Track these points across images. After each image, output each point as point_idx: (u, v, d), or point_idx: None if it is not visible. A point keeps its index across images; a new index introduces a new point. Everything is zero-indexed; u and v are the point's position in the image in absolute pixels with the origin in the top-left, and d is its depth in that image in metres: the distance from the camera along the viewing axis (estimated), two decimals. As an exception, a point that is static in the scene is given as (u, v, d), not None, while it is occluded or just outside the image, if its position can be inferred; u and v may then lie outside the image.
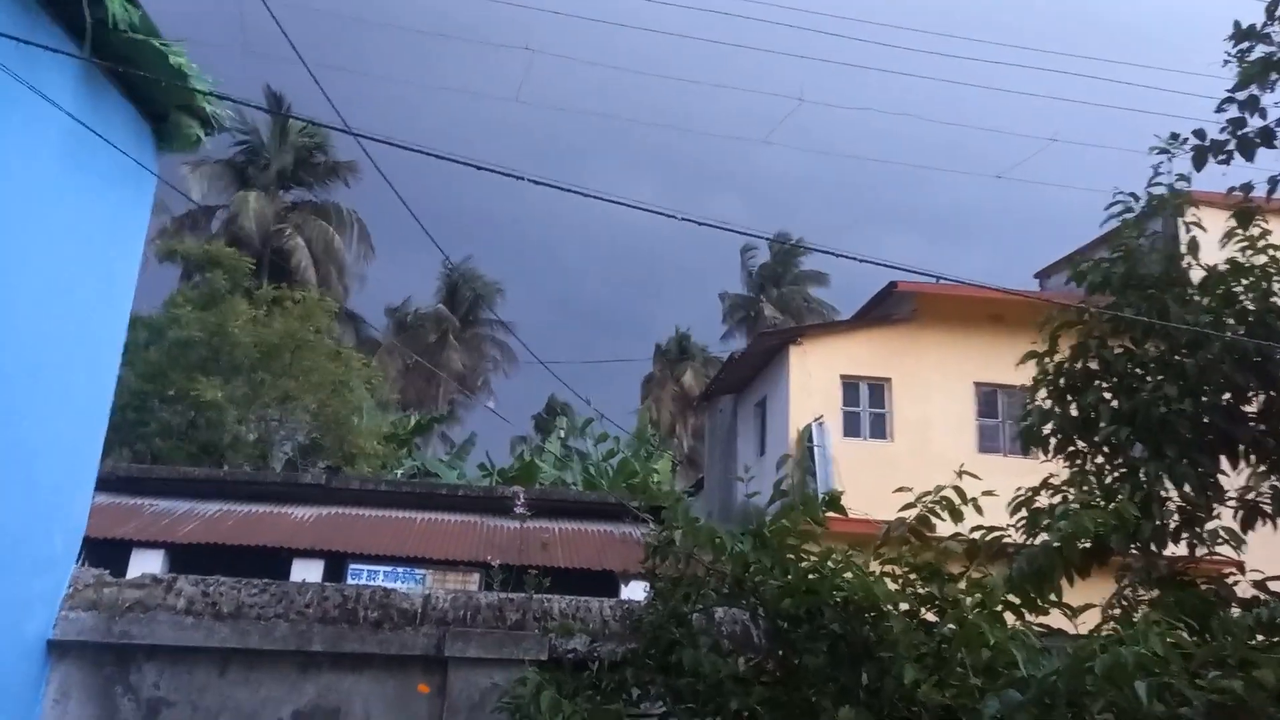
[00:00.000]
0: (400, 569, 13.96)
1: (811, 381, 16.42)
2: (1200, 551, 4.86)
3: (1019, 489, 4.86)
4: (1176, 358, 5.01)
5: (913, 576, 3.58)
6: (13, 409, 4.53)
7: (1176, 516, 4.86)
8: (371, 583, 12.89)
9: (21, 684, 4.80)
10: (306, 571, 13.20)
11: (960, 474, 3.65)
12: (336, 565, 13.83)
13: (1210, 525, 4.85)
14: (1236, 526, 4.88)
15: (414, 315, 41.18)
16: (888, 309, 17.54)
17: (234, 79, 5.33)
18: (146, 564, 12.51)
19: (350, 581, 13.24)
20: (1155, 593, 4.49)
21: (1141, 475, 4.84)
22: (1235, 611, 4.18)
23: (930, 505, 3.71)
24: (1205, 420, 4.97)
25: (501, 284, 43.31)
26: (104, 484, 6.17)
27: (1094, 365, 5.30)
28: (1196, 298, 5.26)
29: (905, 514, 3.80)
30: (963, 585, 3.48)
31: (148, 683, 5.08)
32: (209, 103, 5.30)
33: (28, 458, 4.68)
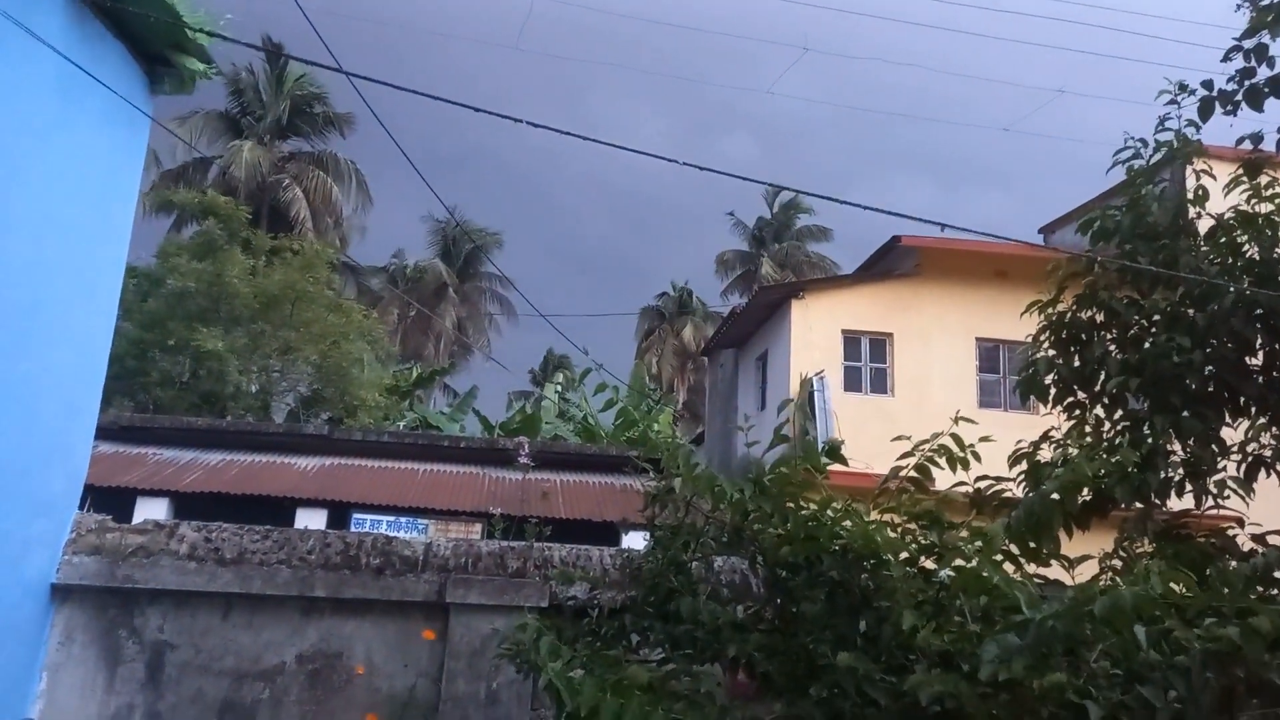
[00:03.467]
0: (403, 519, 14.08)
1: (813, 336, 16.37)
2: (1207, 503, 4.87)
3: (1019, 442, 4.85)
4: (1184, 309, 4.96)
5: (911, 525, 3.58)
6: (11, 345, 4.52)
7: (1180, 470, 4.86)
8: (375, 531, 13.00)
9: (26, 625, 4.86)
10: (310, 520, 13.32)
11: (957, 420, 3.63)
12: (340, 515, 13.95)
13: (1217, 477, 4.85)
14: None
15: (412, 268, 40.97)
16: (890, 263, 17.43)
17: (230, 24, 5.21)
18: (151, 512, 12.61)
19: (354, 530, 13.37)
20: (1153, 546, 4.51)
21: (1145, 428, 4.82)
22: (1233, 564, 4.20)
23: (929, 454, 3.70)
24: (1211, 373, 4.95)
25: (500, 234, 43.00)
26: (108, 433, 6.20)
27: (1099, 315, 5.26)
28: (1204, 248, 5.20)
29: (903, 463, 3.79)
30: (963, 533, 3.48)
31: (151, 626, 5.14)
32: (202, 40, 5.20)
33: (26, 394, 4.68)
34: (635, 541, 11.31)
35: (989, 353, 16.76)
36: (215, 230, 21.40)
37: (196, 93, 5.89)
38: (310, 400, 22.56)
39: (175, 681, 5.08)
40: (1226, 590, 3.17)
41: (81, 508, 5.37)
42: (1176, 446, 4.92)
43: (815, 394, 15.38)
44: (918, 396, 15.90)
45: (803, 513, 3.54)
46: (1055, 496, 3.61)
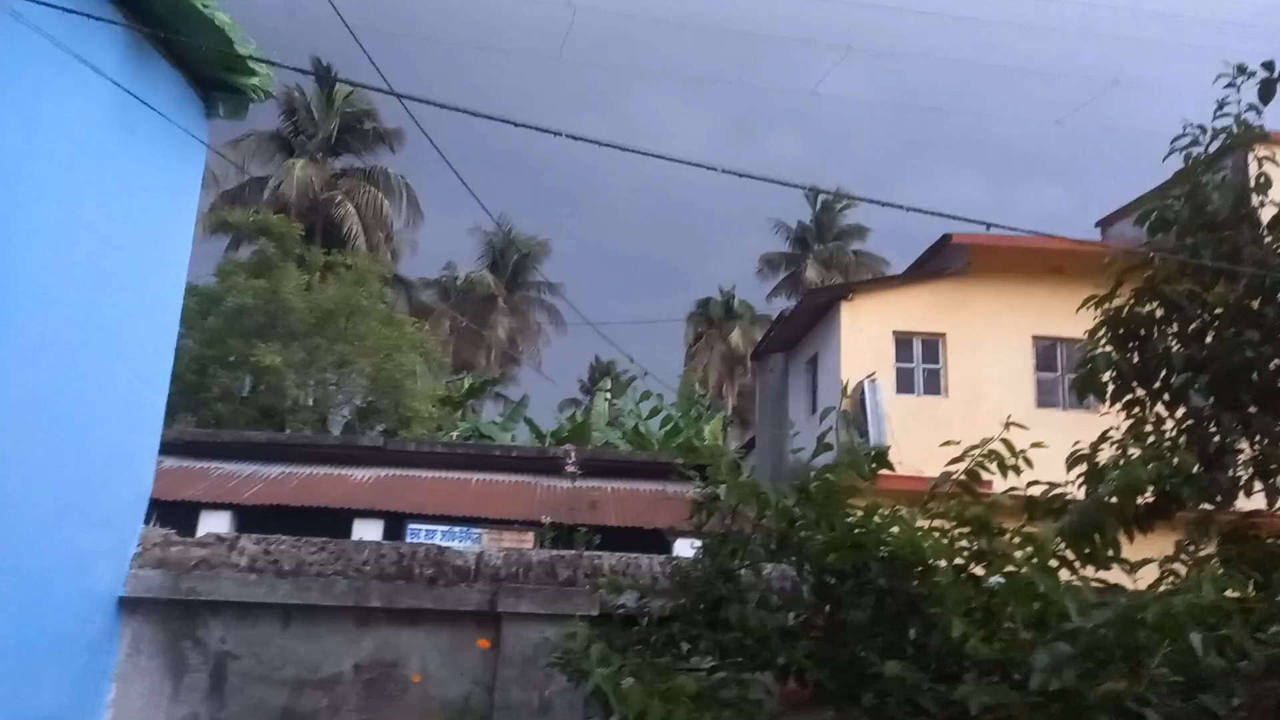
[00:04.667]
0: (457, 528, 14.25)
1: (863, 338, 16.20)
2: (1278, 504, 4.70)
3: (1077, 442, 4.74)
4: (1249, 302, 4.80)
5: (960, 531, 3.52)
6: (71, 367, 4.68)
7: (1248, 469, 4.70)
8: (429, 541, 13.18)
9: (96, 637, 5.02)
10: (367, 531, 13.55)
11: (1008, 425, 3.56)
12: (395, 525, 14.17)
13: None
14: None
15: (463, 280, 41.49)
16: (941, 262, 17.17)
17: (279, 46, 5.36)
18: (214, 525, 12.93)
19: (409, 540, 13.57)
20: (1218, 548, 4.37)
21: (1211, 426, 4.68)
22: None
23: (979, 459, 3.63)
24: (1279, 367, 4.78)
25: (547, 240, 43.31)
26: (172, 448, 6.39)
27: (1159, 309, 5.11)
28: (1268, 238, 5.03)
29: (953, 468, 3.73)
30: (1014, 539, 3.41)
31: (214, 637, 5.27)
32: (255, 68, 5.35)
33: (88, 411, 4.85)
34: (685, 549, 11.30)
35: (1046, 351, 16.42)
36: (270, 249, 21.94)
37: (250, 115, 6.05)
38: (365, 412, 22.97)
39: (238, 690, 5.20)
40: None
41: (147, 522, 5.54)
42: (1244, 444, 4.77)
43: (866, 397, 15.21)
44: (972, 397, 15.63)
45: (849, 519, 3.50)
46: (1110, 500, 3.52)
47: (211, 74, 5.50)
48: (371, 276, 23.08)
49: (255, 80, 5.51)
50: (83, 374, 4.78)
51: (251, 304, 20.50)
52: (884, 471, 3.90)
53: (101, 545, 5.06)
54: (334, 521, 13.42)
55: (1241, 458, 4.73)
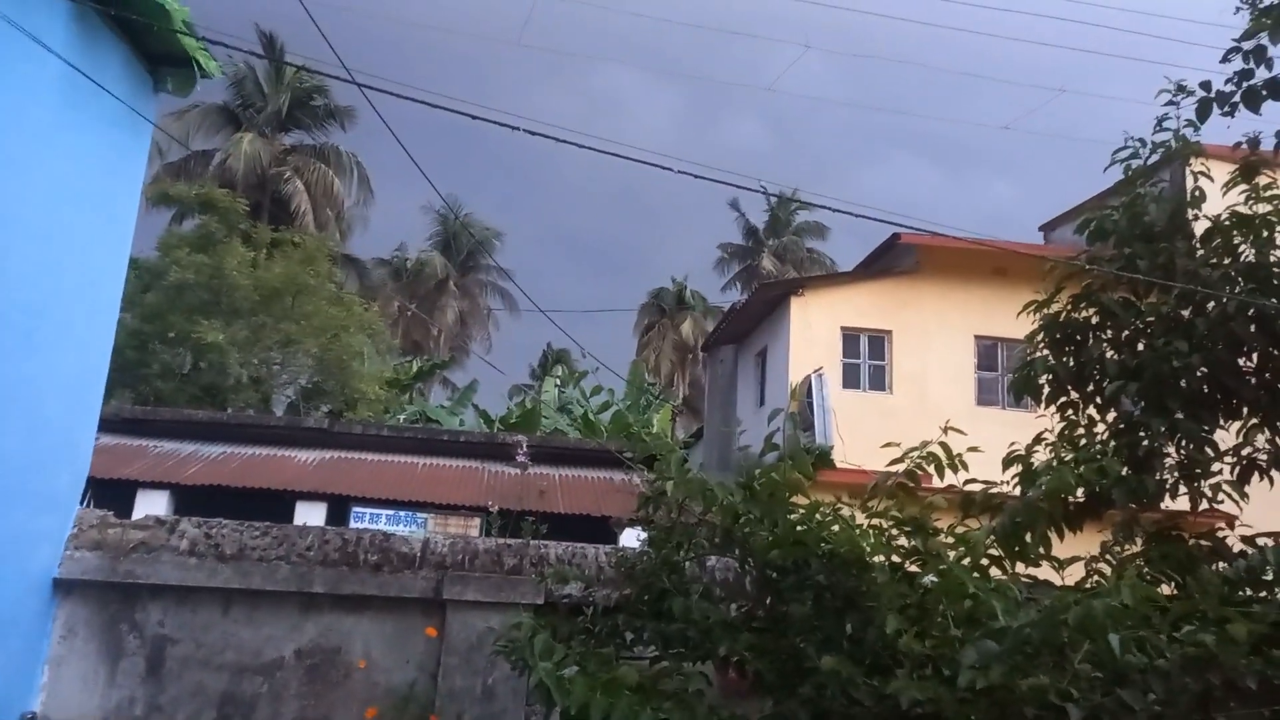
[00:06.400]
0: (402, 512, 14.16)
1: (812, 332, 16.42)
2: (1203, 506, 4.91)
3: (1013, 443, 4.90)
4: (1181, 312, 4.99)
5: (898, 530, 3.64)
6: (16, 346, 4.58)
7: (1174, 472, 4.89)
8: (374, 526, 13.08)
9: (30, 619, 4.92)
10: (310, 514, 13.39)
11: (946, 430, 3.68)
12: (339, 508, 14.02)
13: (1213, 480, 4.89)
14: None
15: (414, 261, 40.99)
16: (890, 261, 17.47)
17: (224, 16, 5.25)
18: (152, 504, 12.68)
19: (353, 524, 13.44)
20: (1143, 548, 4.55)
21: (1141, 431, 4.86)
22: (1221, 565, 4.25)
23: (918, 461, 3.75)
24: (1205, 375, 4.98)
25: (500, 230, 43.04)
26: (109, 425, 6.26)
27: (1095, 316, 5.29)
28: (1200, 251, 5.23)
29: (894, 468, 3.84)
30: (948, 538, 3.54)
31: (152, 620, 5.20)
32: (203, 45, 5.24)
33: (32, 394, 4.75)
34: (632, 538, 11.37)
35: (987, 350, 16.81)
36: (213, 224, 21.43)
37: (197, 87, 5.92)
38: (311, 393, 22.63)
39: (176, 675, 5.14)
40: (1206, 596, 3.22)
41: (83, 501, 5.43)
42: (1171, 449, 4.96)
43: (813, 391, 15.43)
44: (916, 393, 15.95)
45: (792, 516, 3.59)
46: (1041, 501, 3.66)
47: (160, 49, 5.38)
48: (320, 255, 22.68)
49: (208, 63, 5.40)
50: (27, 354, 4.67)
51: (194, 280, 20.01)
52: (828, 467, 4.01)
53: (40, 527, 4.96)
54: (277, 504, 13.24)
55: (1168, 462, 4.93)
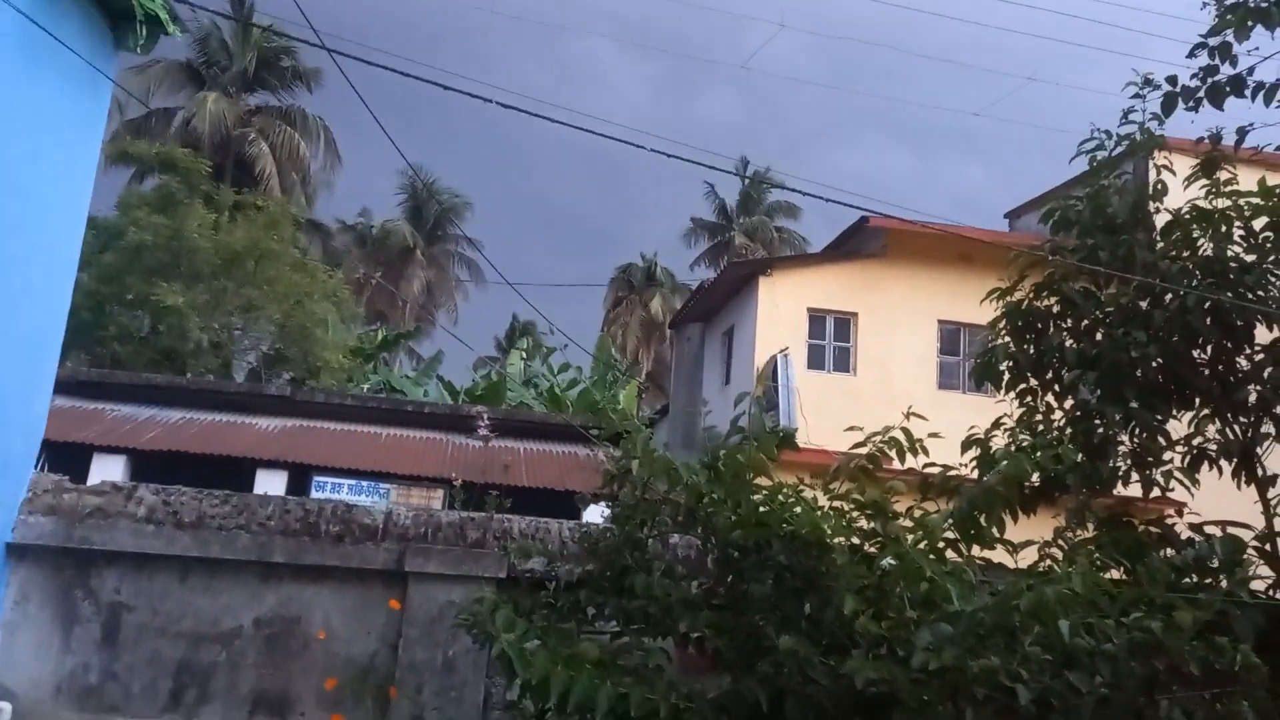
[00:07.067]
0: (365, 483, 14.07)
1: (779, 313, 16.51)
2: (1154, 493, 5.03)
3: (974, 427, 4.98)
4: (1141, 304, 5.09)
5: (857, 513, 3.70)
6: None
7: (1127, 460, 5.01)
8: (336, 495, 13.01)
9: (-19, 585, 4.84)
10: (270, 482, 13.26)
11: (908, 415, 3.73)
12: (301, 477, 13.91)
13: (1165, 468, 5.01)
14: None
15: (379, 228, 40.46)
16: (858, 243, 17.58)
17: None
18: (108, 469, 12.49)
19: (315, 494, 13.35)
20: (1094, 533, 4.66)
21: (1097, 419, 4.96)
22: (1169, 552, 4.36)
23: (880, 445, 3.80)
24: (1160, 365, 5.09)
25: (469, 198, 42.58)
26: (64, 387, 6.15)
27: (1056, 305, 5.37)
28: (1160, 244, 5.32)
29: (857, 451, 3.89)
30: (906, 522, 3.60)
31: (108, 587, 5.14)
32: (166, 3, 5.11)
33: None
34: (595, 514, 11.42)
35: (950, 335, 17.03)
36: (173, 184, 20.96)
37: (160, 42, 5.77)
38: (272, 360, 22.33)
39: (132, 642, 5.10)
40: (1154, 583, 3.31)
41: (37, 465, 5.34)
42: (1125, 437, 5.07)
43: (779, 371, 15.54)
44: (880, 376, 16.14)
45: (754, 498, 3.63)
46: (998, 487, 3.73)
47: (120, 3, 5.22)
48: (284, 220, 22.31)
49: (169, 24, 5.27)
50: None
51: (153, 241, 19.59)
52: (791, 447, 4.04)
53: (-9, 491, 4.86)
54: (236, 471, 13.10)
55: (1122, 449, 5.04)
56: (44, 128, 4.94)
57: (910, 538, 3.42)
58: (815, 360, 16.58)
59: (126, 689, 5.05)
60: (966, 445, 4.88)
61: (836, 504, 3.69)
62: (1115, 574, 4.02)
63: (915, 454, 3.89)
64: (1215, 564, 3.91)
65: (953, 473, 4.38)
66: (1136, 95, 5.61)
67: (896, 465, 4.01)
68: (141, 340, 19.91)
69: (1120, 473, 5.06)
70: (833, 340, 16.82)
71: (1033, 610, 2.70)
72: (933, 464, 4.19)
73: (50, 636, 5.04)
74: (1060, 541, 4.34)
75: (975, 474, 4.66)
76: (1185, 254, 5.21)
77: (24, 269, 4.94)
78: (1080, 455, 4.60)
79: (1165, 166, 5.56)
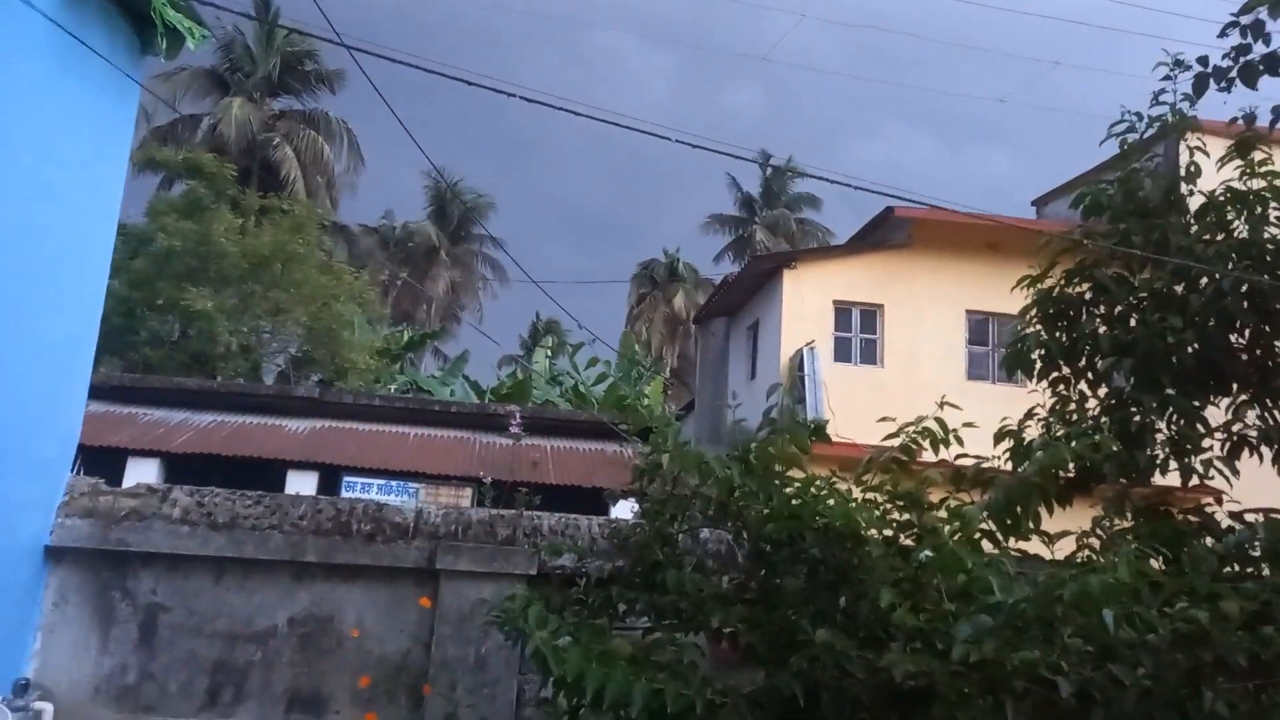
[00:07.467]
0: (394, 482, 14.16)
1: (804, 306, 16.41)
2: (1193, 482, 4.95)
3: (1004, 418, 4.92)
4: (1176, 289, 5.00)
5: (891, 505, 3.65)
6: (3, 314, 4.52)
7: (1165, 448, 4.92)
8: (366, 495, 13.10)
9: (22, 586, 4.91)
10: (301, 483, 13.38)
11: (942, 405, 3.68)
12: (331, 477, 14.02)
13: (1203, 456, 4.92)
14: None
15: (401, 229, 40.69)
16: (883, 234, 17.43)
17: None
18: (142, 472, 12.65)
19: (345, 494, 13.45)
20: (1132, 523, 4.59)
21: (1133, 407, 4.88)
22: (1209, 541, 4.28)
23: (913, 435, 3.76)
24: (1197, 351, 5.00)
25: (492, 197, 42.67)
26: (98, 392, 6.23)
27: (1088, 291, 5.29)
28: (1195, 227, 5.23)
29: (889, 443, 3.85)
30: (942, 513, 3.56)
31: (144, 588, 5.20)
32: (189, 9, 5.15)
33: (18, 359, 4.70)
34: (624, 510, 11.41)
35: (978, 325, 16.84)
36: (200, 189, 21.21)
37: (184, 50, 5.83)
38: (300, 362, 22.54)
39: (168, 643, 5.15)
40: (1198, 573, 3.25)
41: (73, 468, 5.41)
42: (1162, 425, 4.98)
43: (805, 364, 15.46)
44: (908, 368, 16.00)
45: (786, 490, 3.60)
46: (1034, 477, 3.68)
47: (147, 9, 5.27)
48: (309, 223, 22.51)
49: (193, 37, 5.31)
50: (14, 321, 4.62)
51: (182, 247, 19.83)
52: (821, 440, 4.01)
53: (29, 494, 4.93)
54: (267, 472, 13.22)
55: (1159, 437, 4.95)
56: (74, 134, 5.00)
57: (947, 529, 3.37)
58: (842, 353, 16.47)
59: (164, 689, 5.10)
60: (999, 437, 4.81)
61: (870, 496, 3.65)
62: (1153, 564, 3.95)
63: (948, 445, 3.84)
64: (1257, 552, 3.83)
65: (985, 465, 4.32)
66: (1167, 77, 5.52)
67: (926, 459, 3.96)
68: (172, 345, 20.17)
69: (1158, 461, 4.98)
70: (859, 332, 16.69)
71: (1076, 600, 2.64)
72: (965, 455, 4.14)
73: (88, 638, 5.11)
74: (1098, 531, 4.27)
75: (1008, 466, 4.60)
76: (1220, 237, 5.12)
77: (56, 274, 5.00)
78: (1117, 445, 4.52)
79: (1198, 148, 5.46)
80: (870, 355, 16.65)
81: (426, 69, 4.18)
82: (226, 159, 24.04)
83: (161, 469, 13.46)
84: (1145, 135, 5.52)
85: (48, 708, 4.78)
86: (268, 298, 20.91)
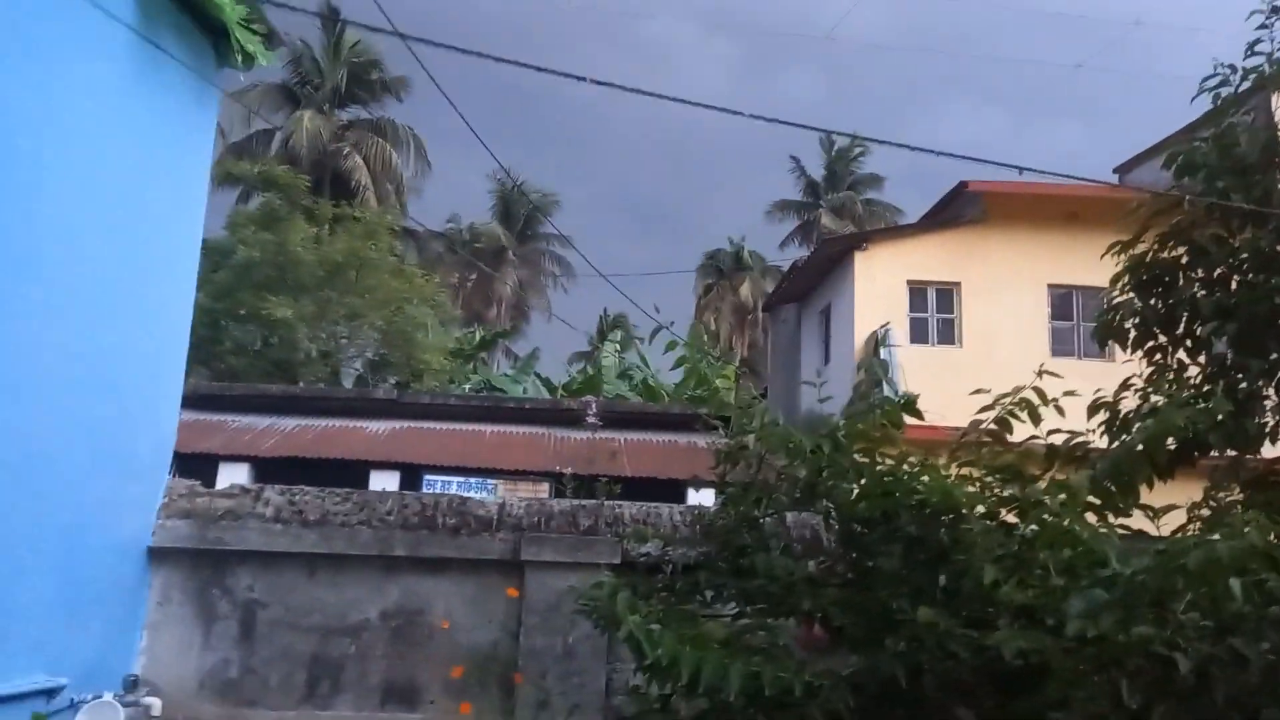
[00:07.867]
0: (473, 479, 14.36)
1: (877, 288, 16.11)
2: None
3: (1097, 391, 4.73)
4: (1277, 248, 4.75)
5: (991, 479, 3.52)
6: (94, 319, 4.69)
7: (1275, 415, 4.68)
8: (447, 492, 13.30)
9: (126, 587, 5.10)
10: (383, 482, 13.66)
11: (1040, 374, 3.54)
12: (412, 476, 14.28)
13: None
14: None
15: (469, 230, 41.25)
16: (956, 210, 17.00)
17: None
18: (233, 476, 13.04)
19: (426, 491, 13.69)
20: (1244, 495, 4.37)
21: (1238, 374, 4.65)
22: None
23: (1009, 407, 3.62)
24: None
25: (557, 195, 42.97)
26: (189, 401, 6.41)
27: (1184, 255, 5.05)
28: None
29: (982, 416, 3.72)
30: (1044, 486, 3.42)
31: (242, 585, 5.35)
32: (264, 16, 5.26)
33: (111, 366, 4.86)
34: (700, 499, 11.36)
35: (1061, 299, 16.31)
36: (275, 201, 21.83)
37: (255, 66, 5.97)
38: (377, 365, 23.06)
39: (266, 638, 5.29)
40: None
41: (170, 474, 5.59)
42: (1270, 391, 4.74)
43: (881, 346, 15.18)
44: (987, 347, 15.57)
45: (879, 468, 3.51)
46: (1139, 448, 3.52)
47: (222, 22, 5.41)
48: (381, 229, 23.00)
49: (264, 48, 5.44)
50: (108, 328, 4.79)
51: (260, 257, 20.45)
52: (907, 420, 3.90)
53: (130, 497, 5.12)
54: (351, 473, 13.52)
55: (1268, 404, 4.71)
56: (156, 147, 5.15)
57: (1051, 501, 3.23)
58: (918, 334, 16.12)
59: (264, 683, 5.25)
60: (1094, 409, 4.63)
61: (967, 471, 3.53)
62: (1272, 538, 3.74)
63: (1040, 420, 3.70)
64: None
65: (1079, 439, 4.16)
66: (1263, 25, 5.24)
67: (1014, 439, 3.82)
68: (255, 353, 20.83)
69: (1267, 430, 4.74)
70: (935, 312, 16.32)
71: (1201, 569, 2.50)
72: (1056, 431, 3.99)
73: (191, 634, 5.28)
74: (1210, 503, 4.07)
75: (1104, 440, 4.42)
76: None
77: (145, 283, 5.16)
78: (1230, 407, 4.31)
79: (1296, 100, 5.17)
80: (948, 335, 16.26)
81: (494, 57, 4.19)
82: (299, 170, 24.71)
83: (251, 473, 13.88)
84: (1240, 89, 5.26)
85: (156, 702, 4.96)
86: (344, 304, 21.43)
